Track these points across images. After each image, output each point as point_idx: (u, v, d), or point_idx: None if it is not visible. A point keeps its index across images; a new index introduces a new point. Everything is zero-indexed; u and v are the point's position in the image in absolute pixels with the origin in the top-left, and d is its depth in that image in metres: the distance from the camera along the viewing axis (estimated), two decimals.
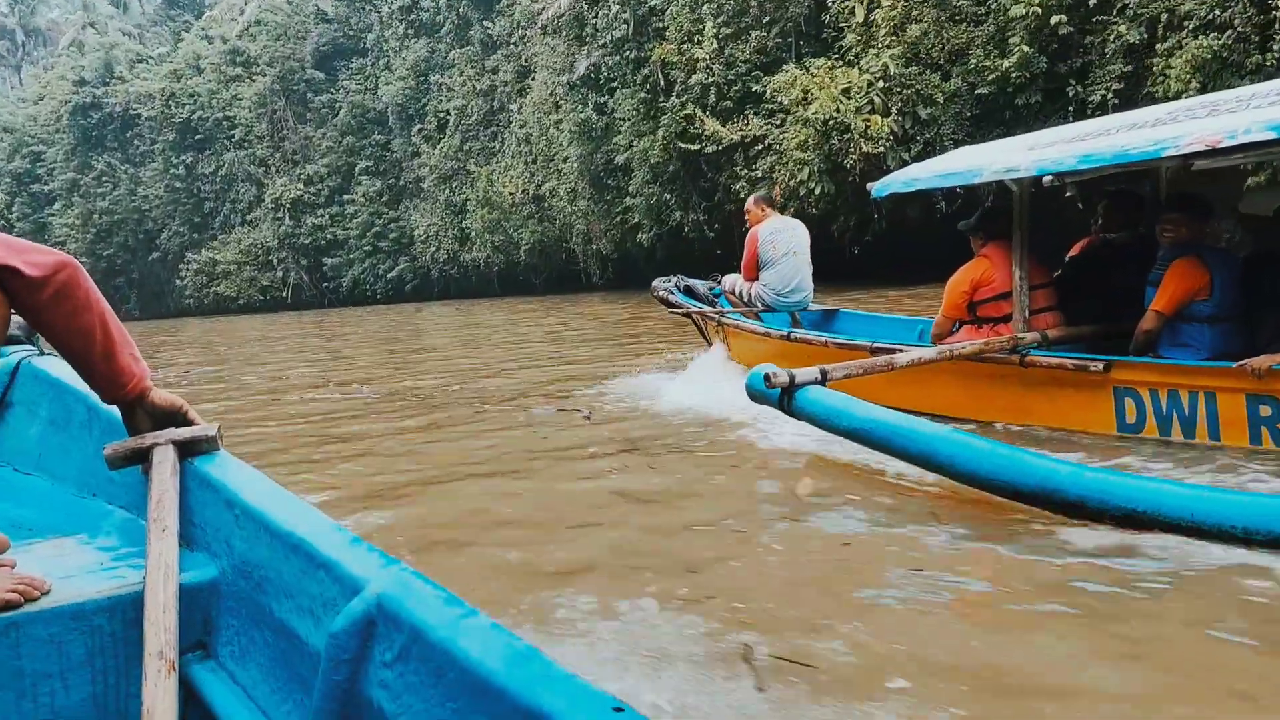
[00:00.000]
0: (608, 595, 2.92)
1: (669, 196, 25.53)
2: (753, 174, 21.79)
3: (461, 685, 1.08)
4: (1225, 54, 14.22)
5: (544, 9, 30.35)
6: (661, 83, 24.69)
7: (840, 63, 20.10)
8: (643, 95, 25.37)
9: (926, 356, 4.83)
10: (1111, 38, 16.22)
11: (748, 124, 21.73)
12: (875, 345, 5.37)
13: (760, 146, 21.65)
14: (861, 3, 19.85)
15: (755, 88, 22.11)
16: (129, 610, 1.49)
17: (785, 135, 20.48)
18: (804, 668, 2.30)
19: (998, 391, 4.98)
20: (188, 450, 1.74)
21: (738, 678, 2.27)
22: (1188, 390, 4.28)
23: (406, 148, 46.14)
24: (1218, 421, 4.20)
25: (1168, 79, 14.89)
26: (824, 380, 4.33)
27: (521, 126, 36.63)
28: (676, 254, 25.06)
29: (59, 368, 2.17)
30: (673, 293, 7.61)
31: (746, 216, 7.41)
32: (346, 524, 1.61)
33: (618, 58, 26.62)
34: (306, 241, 49.72)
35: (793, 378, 4.24)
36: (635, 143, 25.81)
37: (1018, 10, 16.92)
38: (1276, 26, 13.86)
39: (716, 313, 7.19)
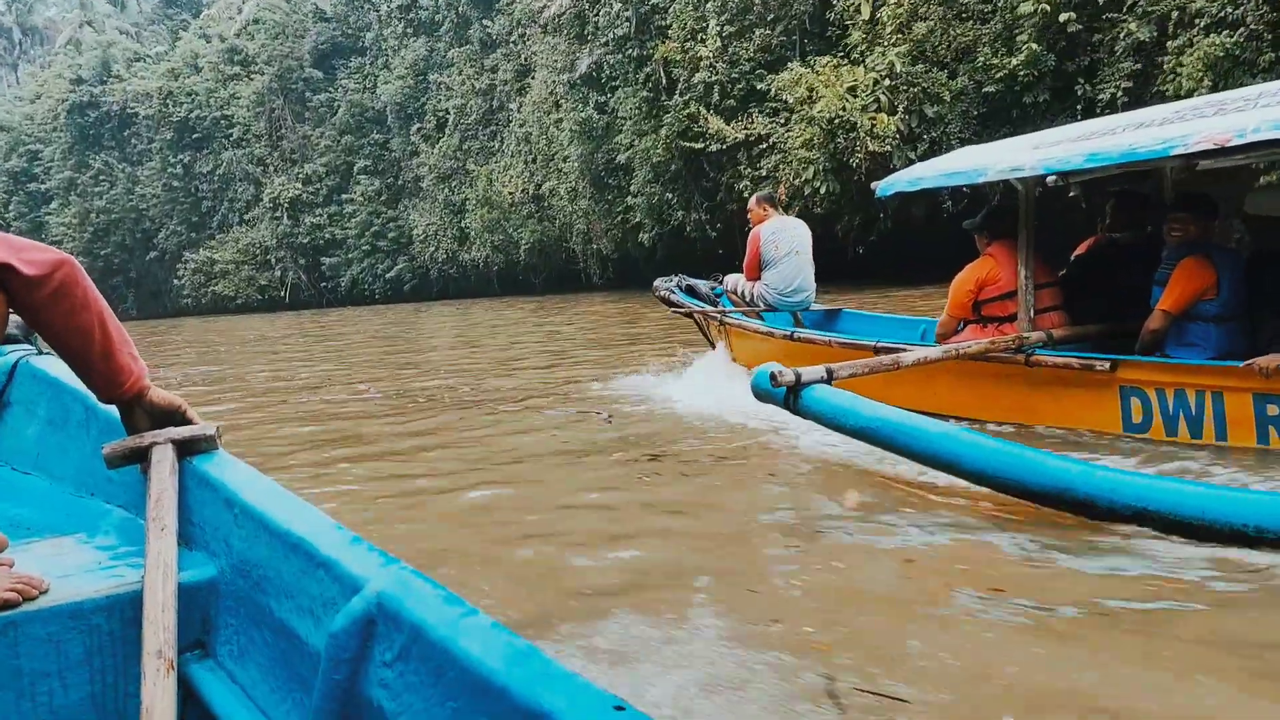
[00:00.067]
0: (660, 618, 2.68)
1: (671, 196, 25.35)
2: (756, 173, 21.62)
3: (462, 684, 1.07)
4: (1238, 52, 14.05)
5: (545, 7, 30.17)
6: (664, 81, 24.51)
7: (845, 61, 19.93)
8: (645, 94, 25.19)
9: (932, 356, 4.81)
10: (1121, 35, 16.06)
11: (752, 123, 21.55)
12: (879, 345, 5.33)
13: (764, 145, 21.48)
14: (868, 0, 19.67)
15: (759, 86, 21.94)
16: (127, 609, 1.48)
17: (790, 134, 20.31)
18: (896, 703, 2.11)
19: (1002, 391, 4.96)
20: (186, 449, 1.73)
21: (824, 716, 2.07)
22: (1194, 390, 4.26)
23: (405, 147, 45.97)
24: (1225, 421, 4.18)
25: (1179, 77, 14.73)
26: (830, 379, 4.30)
27: (521, 125, 36.47)
28: (678, 254, 24.88)
29: (57, 367, 2.15)
30: (674, 292, 7.57)
31: (749, 216, 7.39)
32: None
33: (619, 56, 26.43)
34: (305, 241, 49.52)
35: (798, 377, 4.21)
36: (637, 142, 25.63)
37: (1026, 8, 16.75)
38: None
39: (719, 312, 7.16)
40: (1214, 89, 13.50)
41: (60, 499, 1.97)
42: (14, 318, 1.65)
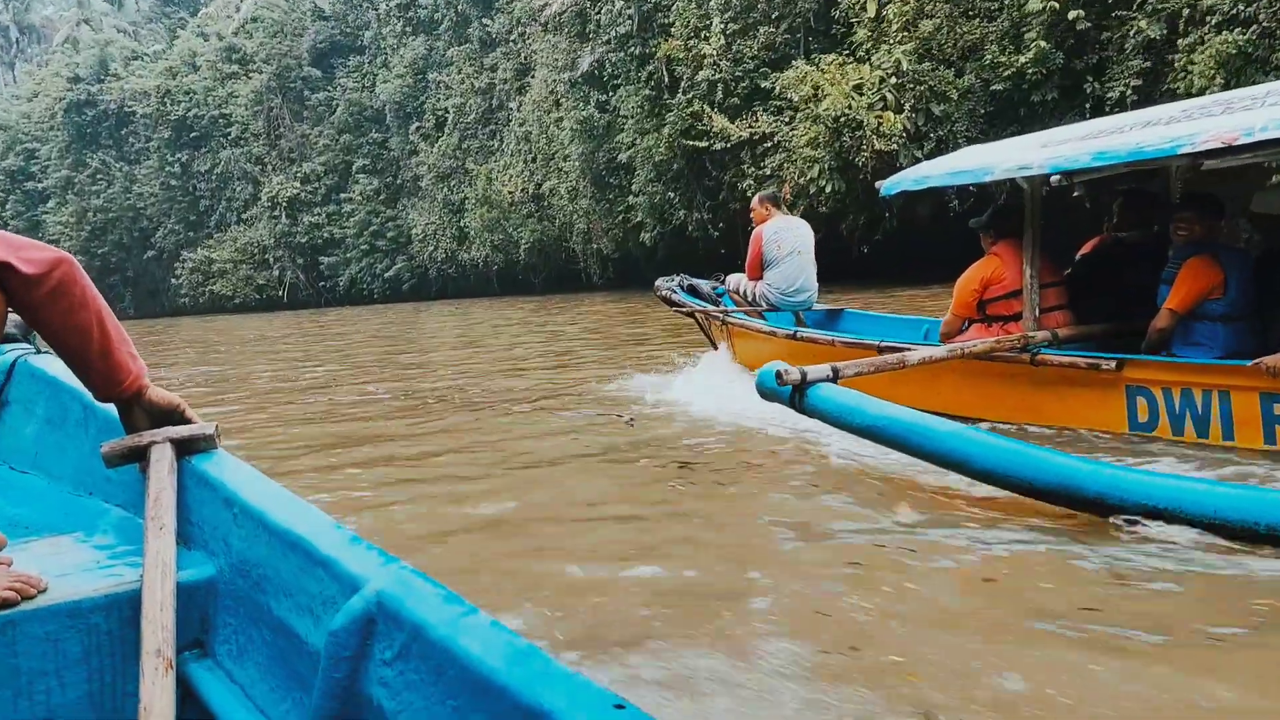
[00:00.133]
0: (721, 645, 2.42)
1: (673, 195, 25.18)
2: (760, 172, 21.46)
3: (462, 683, 1.07)
4: (1250, 50, 13.91)
5: (546, 5, 30.00)
6: (666, 79, 24.34)
7: (851, 59, 19.77)
8: (647, 92, 25.02)
9: (938, 355, 4.80)
10: (1131, 33, 15.90)
11: (756, 121, 21.38)
12: (883, 344, 5.29)
13: (769, 144, 21.31)
14: None
15: (764, 84, 21.78)
16: (126, 608, 1.48)
17: (795, 132, 20.15)
18: None
19: (1007, 390, 4.94)
20: (185, 448, 1.72)
21: None
22: (1201, 389, 4.24)
23: (404, 146, 45.78)
24: (1232, 421, 4.15)
25: (1190, 75, 14.59)
26: (835, 378, 4.28)
27: (521, 125, 36.31)
28: (679, 253, 24.73)
29: (55, 366, 2.14)
30: (676, 292, 7.54)
31: (752, 216, 7.37)
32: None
33: (621, 54, 26.26)
34: (303, 240, 49.31)
35: (804, 375, 4.18)
36: (639, 140, 25.47)
37: (1034, 5, 16.60)
38: None
39: (721, 312, 7.14)
40: (1226, 87, 13.35)
41: (58, 498, 1.96)
42: (13, 316, 1.64)
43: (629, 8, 25.62)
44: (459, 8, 40.91)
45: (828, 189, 19.15)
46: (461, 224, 40.51)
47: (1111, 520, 3.16)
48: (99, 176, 55.49)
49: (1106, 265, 5.28)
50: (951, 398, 5.01)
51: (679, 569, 3.12)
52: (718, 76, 22.42)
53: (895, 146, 18.22)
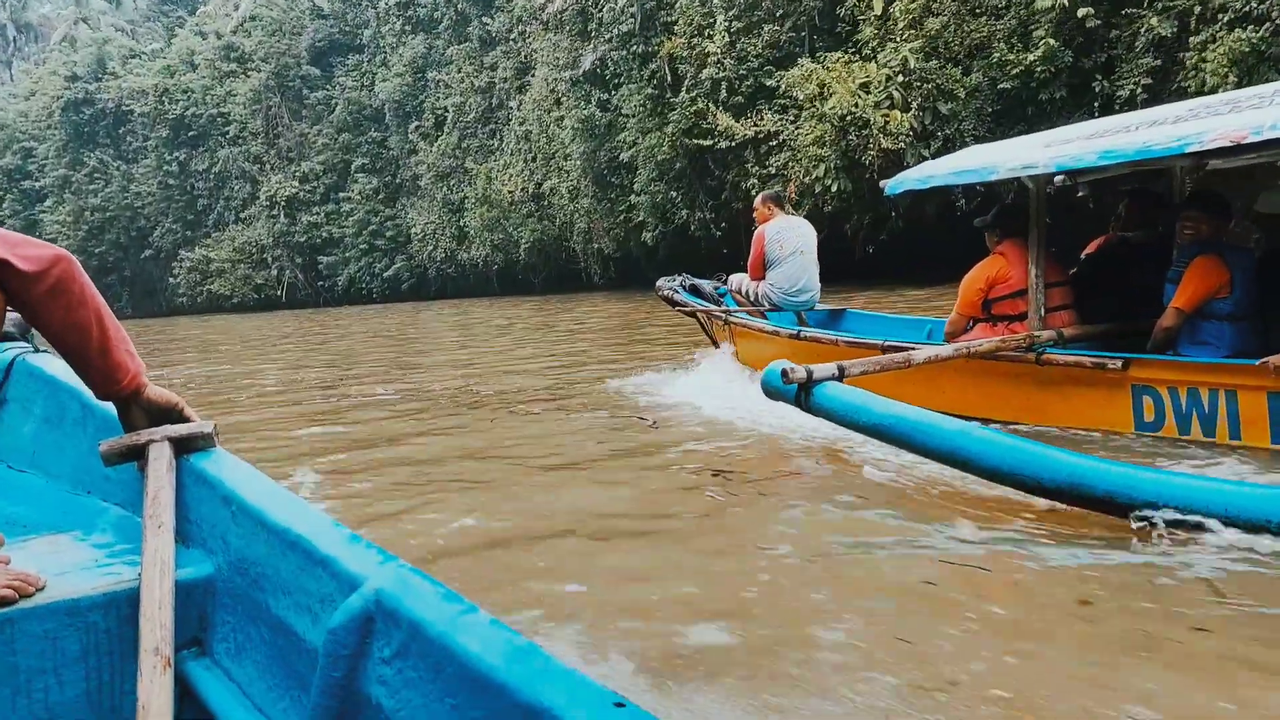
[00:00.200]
0: (806, 682, 2.13)
1: (675, 194, 25.02)
2: (765, 171, 21.30)
3: (461, 681, 1.06)
4: (1263, 48, 13.76)
5: (547, 3, 29.83)
6: (669, 78, 24.17)
7: (857, 57, 19.60)
8: (649, 91, 24.85)
9: (943, 354, 4.79)
10: (1141, 30, 15.74)
11: (761, 119, 21.20)
12: (887, 344, 5.26)
13: (773, 143, 21.14)
14: None
15: (768, 83, 21.61)
16: (124, 607, 1.48)
17: (800, 131, 19.97)
18: None
19: (1012, 390, 4.93)
20: (184, 447, 1.71)
21: None
22: (1208, 388, 4.23)
23: (403, 145, 45.62)
24: (1238, 420, 4.14)
25: (1202, 73, 14.43)
26: (841, 376, 4.27)
27: (521, 124, 36.15)
28: (681, 253, 24.59)
29: (54, 364, 2.15)
30: (678, 292, 7.54)
31: (755, 215, 7.38)
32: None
33: (624, 52, 26.09)
34: (302, 240, 49.15)
35: (810, 374, 4.16)
36: (641, 139, 25.31)
37: (1043, 2, 16.44)
38: None
39: (723, 311, 7.14)
40: (1239, 85, 13.21)
41: (57, 496, 1.96)
42: (11, 315, 1.64)
43: (631, 6, 25.45)
44: (459, 6, 40.76)
45: (833, 188, 18.98)
46: (461, 223, 40.36)
47: (1133, 521, 3.05)
48: (96, 175, 55.31)
49: (1111, 265, 5.29)
50: (956, 397, 4.99)
51: (733, 588, 2.87)
52: (722, 75, 22.26)
53: (902, 145, 18.06)
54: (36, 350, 2.31)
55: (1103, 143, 4.38)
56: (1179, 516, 2.97)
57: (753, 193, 17.96)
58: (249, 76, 50.48)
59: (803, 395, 4.17)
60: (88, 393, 1.74)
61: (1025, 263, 4.97)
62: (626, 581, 3.03)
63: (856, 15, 20.38)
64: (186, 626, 1.53)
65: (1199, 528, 2.93)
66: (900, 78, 18.34)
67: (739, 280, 7.46)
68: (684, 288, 7.61)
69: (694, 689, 2.18)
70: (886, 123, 18.04)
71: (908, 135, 18.10)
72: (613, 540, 3.53)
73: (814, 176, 19.29)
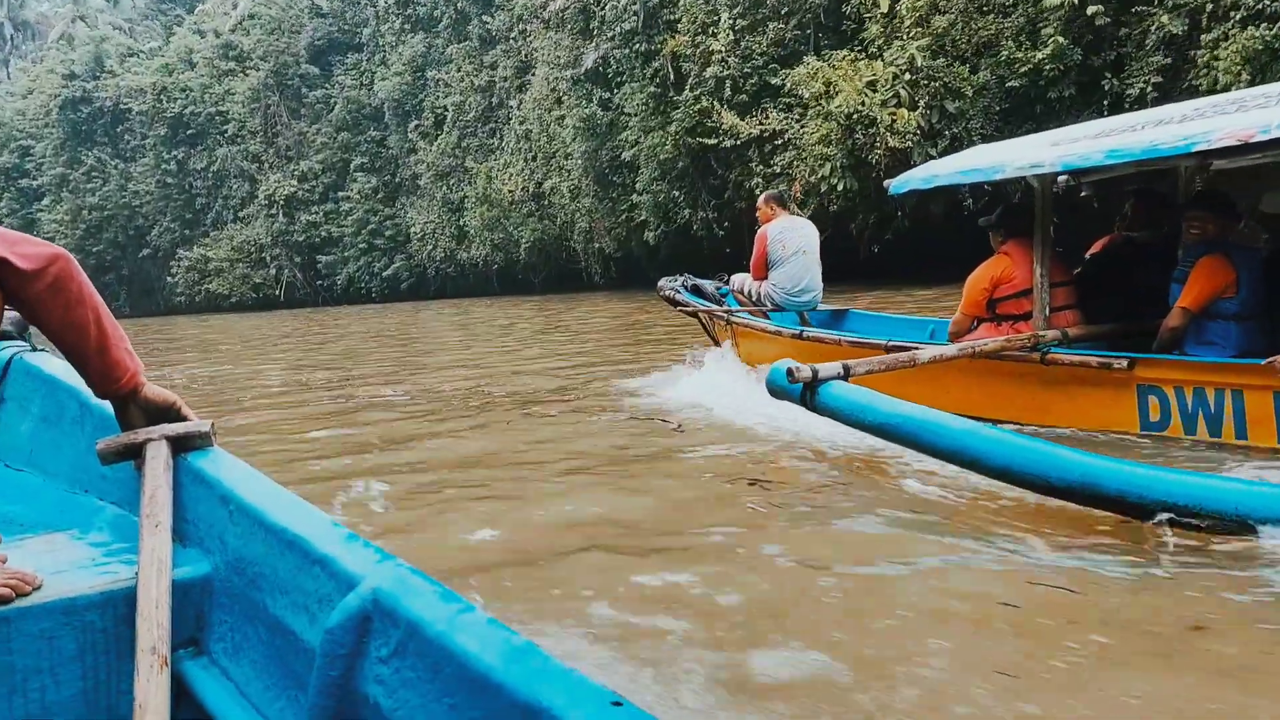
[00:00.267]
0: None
1: (677, 194, 24.86)
2: (769, 170, 21.14)
3: (459, 680, 1.05)
4: (1277, 45, 13.60)
5: (548, 2, 29.65)
6: (672, 77, 24.00)
7: (863, 55, 19.45)
8: (652, 89, 24.68)
9: (948, 353, 4.78)
10: (1151, 28, 15.58)
11: (766, 118, 21.03)
12: (890, 344, 5.24)
13: (778, 142, 20.98)
14: None
15: (773, 81, 21.46)
16: (121, 606, 1.48)
17: (805, 130, 19.81)
18: None
19: (1016, 390, 4.92)
20: (181, 446, 1.70)
21: None
22: (1214, 388, 4.22)
23: (403, 144, 45.46)
24: (1245, 420, 4.12)
25: (1214, 71, 14.29)
26: (846, 375, 4.24)
27: (521, 123, 35.99)
28: (683, 253, 24.41)
29: (51, 363, 2.15)
30: (679, 291, 7.53)
31: (757, 215, 7.38)
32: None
33: (626, 51, 25.92)
34: (300, 239, 48.98)
35: (815, 373, 4.14)
36: (643, 138, 25.14)
37: (1052, 0, 16.27)
38: None
39: (725, 311, 7.13)
40: (1252, 83, 13.06)
41: (54, 495, 1.95)
42: (9, 313, 1.64)
43: (634, 4, 25.28)
44: (458, 5, 40.62)
45: (839, 187, 18.83)
46: (461, 223, 40.20)
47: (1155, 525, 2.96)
48: (94, 174, 55.12)
49: (1116, 265, 5.28)
50: (961, 397, 4.94)
51: (789, 611, 2.63)
52: (726, 73, 22.10)
53: (909, 144, 17.91)
54: (34, 349, 2.31)
55: (1109, 142, 4.37)
56: (1213, 521, 2.90)
57: (757, 192, 17.77)
58: (247, 75, 50.28)
59: (808, 394, 4.14)
60: (85, 391, 1.74)
61: (1030, 262, 4.95)
62: (665, 602, 2.76)
63: (863, 13, 20.23)
64: (183, 626, 1.52)
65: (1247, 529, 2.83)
66: (907, 76, 18.20)
67: (741, 280, 7.46)
68: (686, 288, 7.60)
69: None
70: (894, 121, 17.88)
71: (915, 134, 17.96)
72: (649, 556, 3.25)
73: (819, 175, 19.14)
